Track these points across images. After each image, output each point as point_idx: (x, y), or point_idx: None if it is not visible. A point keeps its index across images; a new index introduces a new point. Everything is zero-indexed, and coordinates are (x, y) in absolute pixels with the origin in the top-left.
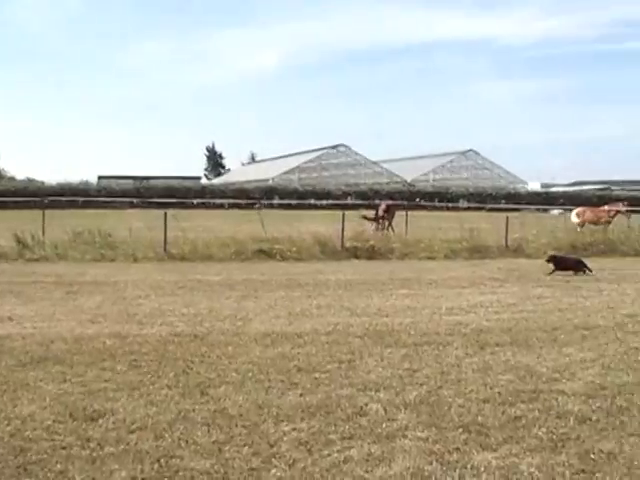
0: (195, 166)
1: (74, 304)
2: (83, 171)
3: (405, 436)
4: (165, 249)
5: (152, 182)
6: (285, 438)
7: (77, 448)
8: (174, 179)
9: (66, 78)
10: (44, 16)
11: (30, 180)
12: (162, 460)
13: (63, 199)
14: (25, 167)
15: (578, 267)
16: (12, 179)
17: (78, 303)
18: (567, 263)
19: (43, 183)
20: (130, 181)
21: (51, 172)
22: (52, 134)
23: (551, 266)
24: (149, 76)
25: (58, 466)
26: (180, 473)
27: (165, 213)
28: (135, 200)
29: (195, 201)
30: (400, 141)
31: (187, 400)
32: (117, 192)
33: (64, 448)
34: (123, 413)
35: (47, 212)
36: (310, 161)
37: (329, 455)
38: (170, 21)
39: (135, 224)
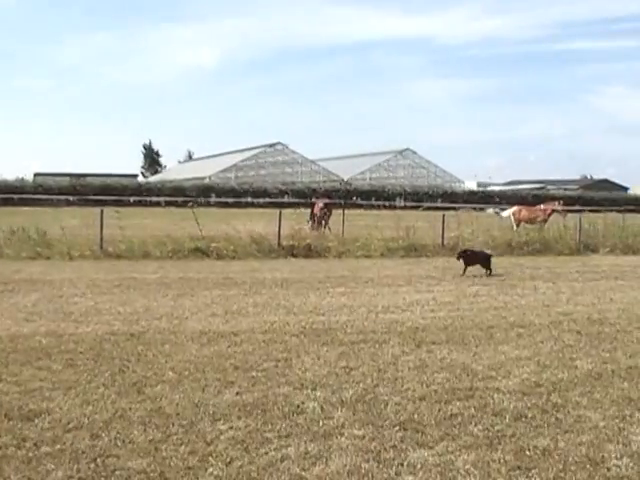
0: (132, 164)
1: (9, 302)
2: (18, 168)
3: (342, 434)
4: (101, 247)
5: (89, 179)
6: (222, 437)
7: (13, 448)
8: (111, 177)
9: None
10: None
11: None
12: (99, 460)
13: None
14: None
15: (486, 264)
16: None
17: (14, 301)
18: (477, 258)
19: None
20: (67, 178)
21: None
22: None
23: (461, 262)
24: (85, 72)
25: None
26: (117, 472)
27: (102, 210)
28: (72, 197)
29: (132, 199)
30: (337, 140)
31: (123, 399)
32: (54, 189)
33: (0, 448)
34: (59, 412)
35: None
36: (247, 159)
37: (266, 453)
38: (106, 15)
39: (71, 221)
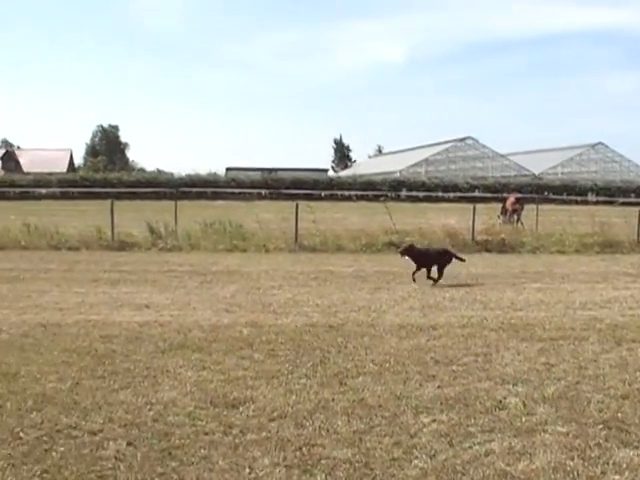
0: (321, 158)
1: (209, 293)
2: (211, 163)
3: (545, 431)
4: (296, 240)
5: (280, 174)
6: (425, 429)
7: (219, 434)
8: (301, 171)
9: (194, 72)
10: (170, 11)
11: (159, 172)
12: (304, 448)
13: (194, 190)
14: (154, 159)
15: (444, 260)
16: (142, 171)
17: (213, 292)
18: (430, 257)
19: (172, 175)
20: (258, 173)
21: (180, 164)
22: (180, 127)
23: (408, 260)
24: (276, 69)
25: (202, 451)
26: (322, 461)
27: (297, 204)
28: (264, 191)
29: (323, 193)
30: (527, 133)
31: (326, 390)
32: (246, 183)
33: (207, 434)
34: (263, 401)
35: (178, 203)
36: (438, 154)
37: (470, 447)
38: (295, 12)
39: (265, 215)
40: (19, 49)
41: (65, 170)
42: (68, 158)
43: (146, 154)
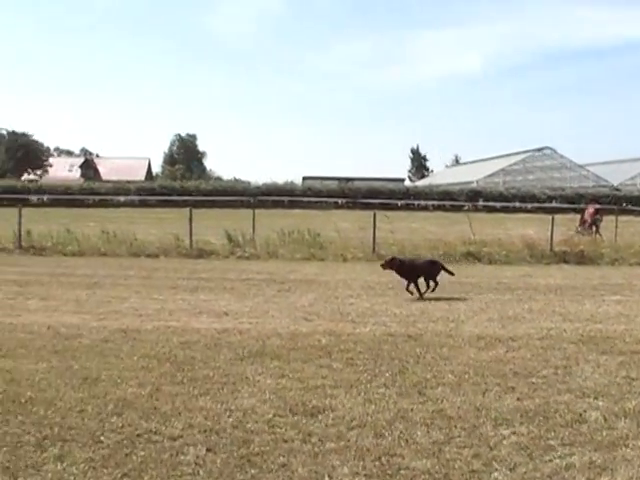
0: (397, 168)
1: (287, 301)
2: (287, 172)
3: (626, 445)
4: (374, 249)
5: (356, 183)
6: (505, 442)
7: (298, 442)
8: (377, 180)
9: (271, 82)
10: (249, 22)
11: (236, 180)
12: (383, 458)
13: (270, 199)
14: (231, 168)
15: (432, 272)
16: (219, 179)
17: (291, 300)
18: (416, 268)
19: (249, 183)
20: (334, 182)
21: (257, 173)
22: (257, 135)
23: (394, 274)
24: (350, 78)
25: (281, 459)
26: (402, 472)
27: (374, 213)
28: (340, 200)
29: (399, 202)
30: (605, 142)
31: (405, 400)
32: (322, 192)
33: (286, 442)
34: (342, 410)
35: (255, 211)
36: (515, 164)
37: (550, 461)
38: (371, 21)
39: (342, 224)
40: (99, 60)
41: (143, 178)
42: (146, 166)
43: (223, 163)
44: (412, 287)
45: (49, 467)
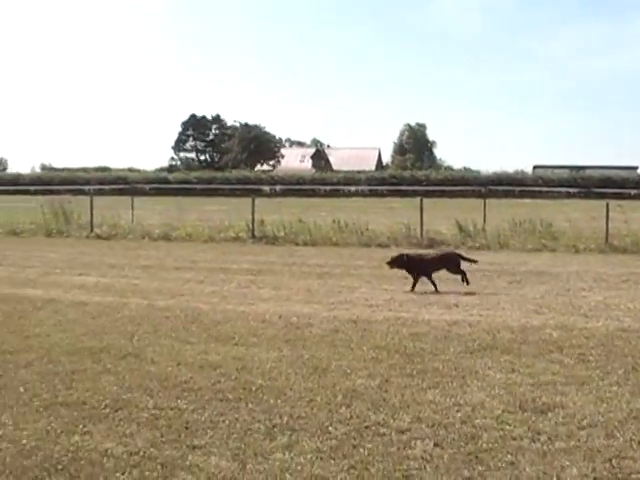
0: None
1: (518, 293)
2: (517, 161)
3: None
4: (607, 240)
5: (588, 172)
6: None
7: (527, 440)
8: (610, 169)
9: (497, 70)
10: (473, 11)
11: (466, 169)
12: (614, 460)
13: (500, 188)
14: (461, 157)
15: (450, 264)
16: (449, 168)
17: (522, 293)
18: (428, 263)
19: (479, 172)
20: (566, 171)
21: (486, 162)
22: (486, 125)
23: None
24: (574, 64)
25: (508, 457)
26: (632, 476)
27: (607, 203)
28: (571, 190)
29: (632, 192)
30: None
31: (638, 399)
32: (553, 182)
33: (514, 439)
34: (573, 408)
35: (485, 201)
36: None
37: None
38: (599, 5)
39: (573, 214)
40: (327, 54)
41: (373, 168)
42: (376, 156)
43: (453, 152)
44: (425, 284)
45: (277, 456)
